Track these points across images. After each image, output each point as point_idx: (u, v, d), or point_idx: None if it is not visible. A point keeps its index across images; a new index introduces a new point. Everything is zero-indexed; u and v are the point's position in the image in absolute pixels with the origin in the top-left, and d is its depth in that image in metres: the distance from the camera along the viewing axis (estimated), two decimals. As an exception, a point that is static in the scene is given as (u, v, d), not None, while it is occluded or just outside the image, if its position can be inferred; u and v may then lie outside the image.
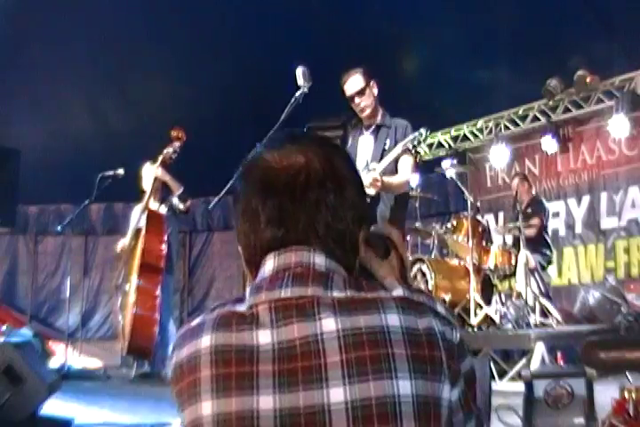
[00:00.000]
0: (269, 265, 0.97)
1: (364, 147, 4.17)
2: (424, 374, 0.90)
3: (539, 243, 6.46)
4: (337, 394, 0.86)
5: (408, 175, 4.14)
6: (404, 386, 0.88)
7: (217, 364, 0.89)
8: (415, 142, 3.97)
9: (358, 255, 1.03)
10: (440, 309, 0.97)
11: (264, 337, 0.89)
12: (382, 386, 0.87)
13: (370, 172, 3.91)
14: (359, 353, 0.87)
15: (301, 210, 0.96)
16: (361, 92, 4.10)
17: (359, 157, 4.14)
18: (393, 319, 0.91)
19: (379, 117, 4.18)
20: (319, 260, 0.96)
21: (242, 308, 0.94)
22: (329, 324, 0.89)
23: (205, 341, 0.91)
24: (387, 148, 4.06)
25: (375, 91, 4.15)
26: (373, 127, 4.17)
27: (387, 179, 3.90)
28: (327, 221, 0.97)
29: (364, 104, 4.12)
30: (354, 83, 4.12)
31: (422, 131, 4.00)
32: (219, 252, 10.11)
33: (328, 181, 0.98)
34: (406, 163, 4.04)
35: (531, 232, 6.35)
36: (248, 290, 0.97)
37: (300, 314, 0.90)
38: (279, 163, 0.98)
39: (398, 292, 0.96)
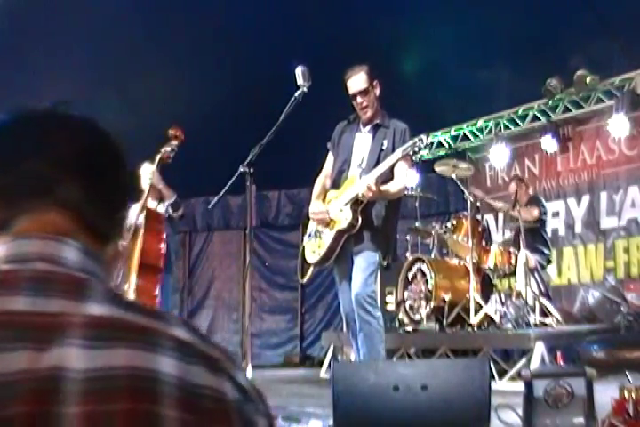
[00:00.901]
0: None
1: (360, 143, 4.17)
2: None
3: (537, 241, 6.45)
4: None
5: (404, 181, 4.17)
6: None
7: None
8: (416, 149, 3.93)
9: (123, 210, 0.85)
10: (242, 380, 0.67)
11: None
12: None
13: (366, 176, 3.92)
14: (110, 406, 0.59)
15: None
16: (364, 92, 4.10)
17: (355, 154, 4.16)
18: (167, 365, 0.62)
19: (378, 117, 4.18)
20: (71, 254, 0.72)
21: None
22: (72, 357, 0.61)
23: None
24: (384, 148, 4.06)
25: (377, 91, 4.16)
26: (372, 126, 4.17)
27: (384, 187, 3.91)
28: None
29: (367, 104, 4.12)
30: (358, 81, 4.11)
31: (423, 137, 3.92)
32: (218, 252, 10.11)
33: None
34: (402, 168, 4.03)
35: (527, 217, 6.28)
36: None
37: (35, 338, 0.62)
38: (29, 108, 0.83)
39: (181, 332, 0.66)
